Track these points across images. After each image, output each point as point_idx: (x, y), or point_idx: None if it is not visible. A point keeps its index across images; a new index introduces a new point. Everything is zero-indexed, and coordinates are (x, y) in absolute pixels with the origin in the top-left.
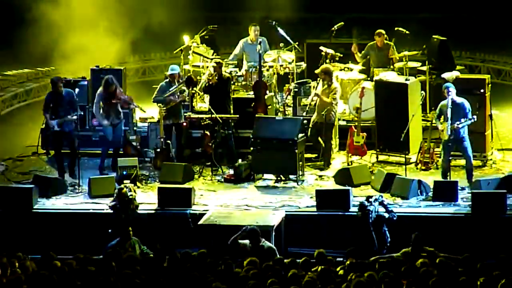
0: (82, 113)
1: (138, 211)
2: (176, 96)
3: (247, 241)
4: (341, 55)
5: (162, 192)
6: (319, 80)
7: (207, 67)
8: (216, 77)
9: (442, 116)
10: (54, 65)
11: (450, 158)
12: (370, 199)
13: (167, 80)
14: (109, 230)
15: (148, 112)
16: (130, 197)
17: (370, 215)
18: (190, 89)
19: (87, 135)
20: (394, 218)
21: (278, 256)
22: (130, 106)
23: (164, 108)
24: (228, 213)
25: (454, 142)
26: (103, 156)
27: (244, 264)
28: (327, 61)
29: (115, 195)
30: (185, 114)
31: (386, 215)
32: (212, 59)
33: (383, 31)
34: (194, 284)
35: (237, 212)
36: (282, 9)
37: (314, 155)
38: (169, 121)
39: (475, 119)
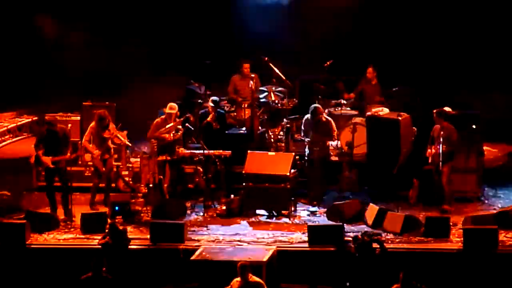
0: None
1: (130, 246)
2: (171, 134)
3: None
4: (333, 91)
5: (154, 228)
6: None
7: (200, 102)
8: (215, 118)
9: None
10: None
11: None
12: (364, 235)
13: (163, 117)
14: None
15: (140, 147)
16: (122, 230)
17: (364, 251)
18: (185, 128)
19: (79, 170)
20: (388, 254)
21: None
22: (122, 143)
23: (158, 144)
24: (220, 248)
25: (438, 167)
26: (93, 191)
27: None
28: (319, 96)
29: (106, 231)
30: (177, 149)
31: (380, 250)
32: (206, 95)
33: (373, 66)
34: None
35: (229, 248)
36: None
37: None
38: (163, 157)
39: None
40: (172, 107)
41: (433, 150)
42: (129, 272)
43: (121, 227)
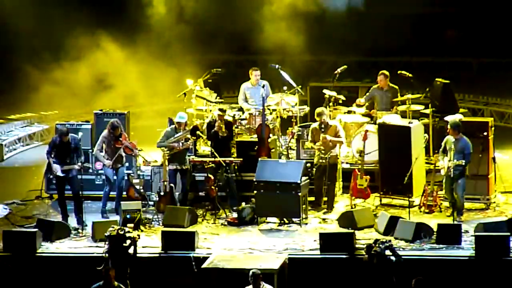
0: (85, 163)
1: (140, 255)
2: (180, 144)
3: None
4: (344, 98)
5: (165, 236)
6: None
7: (210, 110)
8: (224, 127)
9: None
10: (57, 109)
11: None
12: (377, 242)
13: (173, 126)
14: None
15: (151, 155)
16: (124, 235)
17: (377, 258)
18: (195, 137)
19: (91, 179)
20: (401, 262)
21: None
22: (133, 153)
23: (168, 152)
24: (231, 256)
25: (451, 178)
26: (104, 199)
27: None
28: (330, 104)
29: (106, 241)
30: (188, 157)
31: (393, 258)
32: (215, 102)
33: (386, 72)
34: None
35: (240, 256)
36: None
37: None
38: (174, 166)
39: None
40: (182, 116)
41: (446, 163)
42: (141, 281)
43: (121, 236)
